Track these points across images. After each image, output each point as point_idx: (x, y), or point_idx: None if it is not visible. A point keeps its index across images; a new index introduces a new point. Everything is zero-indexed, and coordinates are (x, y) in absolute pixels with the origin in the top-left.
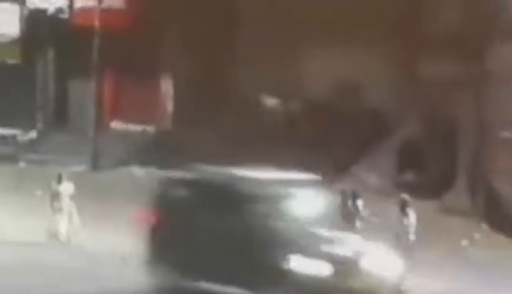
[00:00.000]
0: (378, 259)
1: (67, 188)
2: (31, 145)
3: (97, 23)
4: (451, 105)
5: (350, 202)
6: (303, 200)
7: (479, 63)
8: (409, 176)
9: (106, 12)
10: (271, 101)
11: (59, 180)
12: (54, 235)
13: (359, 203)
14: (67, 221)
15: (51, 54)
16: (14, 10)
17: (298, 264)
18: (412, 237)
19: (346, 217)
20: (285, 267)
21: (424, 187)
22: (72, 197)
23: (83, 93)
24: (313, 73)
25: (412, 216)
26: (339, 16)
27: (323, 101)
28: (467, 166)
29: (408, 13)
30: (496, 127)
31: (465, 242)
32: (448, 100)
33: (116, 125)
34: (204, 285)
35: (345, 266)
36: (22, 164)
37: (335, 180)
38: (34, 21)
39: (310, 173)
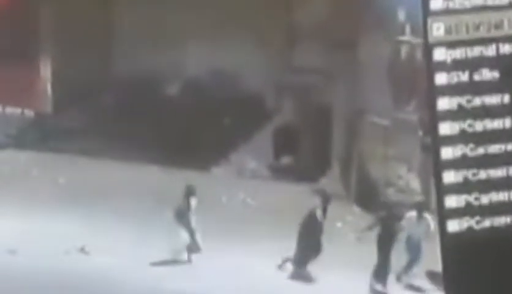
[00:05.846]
0: None
1: None
2: None
3: None
4: (325, 92)
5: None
6: None
7: (350, 52)
8: (285, 161)
9: None
10: (150, 84)
11: None
12: None
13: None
14: None
15: None
16: None
17: None
18: None
19: None
20: None
21: (300, 171)
22: None
23: None
24: (191, 59)
25: None
26: (215, 4)
27: (201, 87)
28: (340, 151)
29: (278, 2)
30: (366, 112)
31: (339, 224)
32: (322, 87)
33: None
34: None
35: None
36: None
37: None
38: None
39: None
